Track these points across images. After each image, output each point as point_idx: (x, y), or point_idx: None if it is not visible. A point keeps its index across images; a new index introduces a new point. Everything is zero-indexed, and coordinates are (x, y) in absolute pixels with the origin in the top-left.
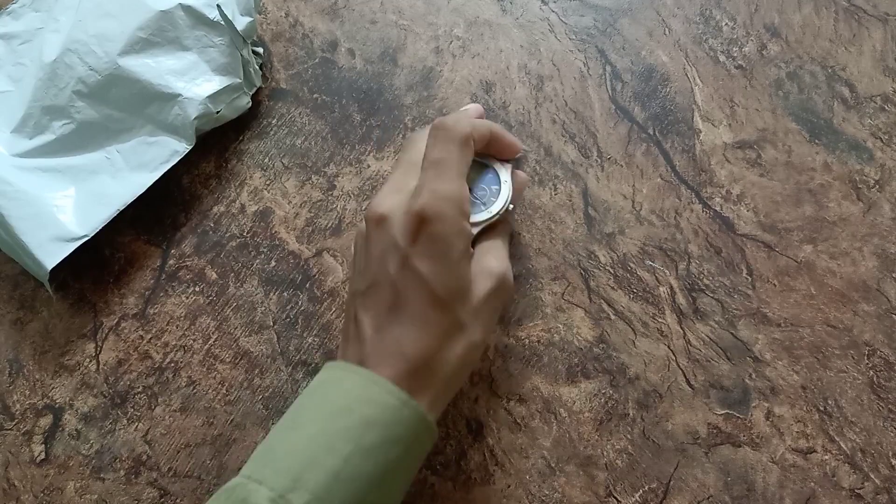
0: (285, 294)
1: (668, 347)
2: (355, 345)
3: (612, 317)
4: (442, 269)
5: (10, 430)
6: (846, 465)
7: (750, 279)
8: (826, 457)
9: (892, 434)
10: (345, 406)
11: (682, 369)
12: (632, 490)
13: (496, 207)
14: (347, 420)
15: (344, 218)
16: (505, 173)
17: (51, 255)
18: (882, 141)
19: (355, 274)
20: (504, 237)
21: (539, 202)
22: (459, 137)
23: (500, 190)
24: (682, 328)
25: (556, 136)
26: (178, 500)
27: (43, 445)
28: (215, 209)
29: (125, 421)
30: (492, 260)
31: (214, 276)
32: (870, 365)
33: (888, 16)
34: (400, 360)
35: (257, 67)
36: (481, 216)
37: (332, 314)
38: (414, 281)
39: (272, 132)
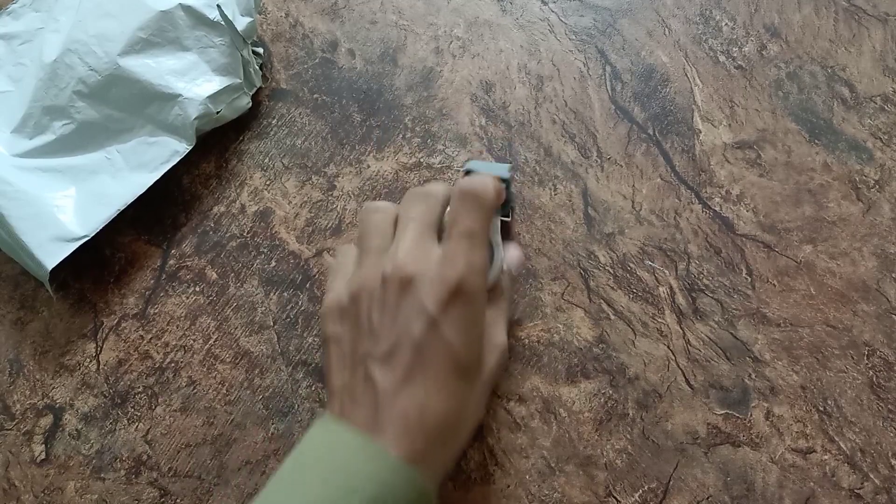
0: (285, 294)
1: (668, 347)
2: (366, 408)
3: (612, 317)
4: (469, 339)
5: (10, 430)
6: (846, 465)
7: (750, 279)
8: (826, 457)
9: (891, 434)
10: (351, 487)
11: (681, 369)
12: (631, 490)
13: (492, 274)
14: (352, 501)
15: (344, 218)
16: (496, 235)
17: (51, 255)
18: (882, 141)
19: (364, 334)
20: (506, 307)
21: (539, 202)
22: (489, 206)
23: (493, 254)
24: (681, 328)
25: (555, 137)
26: (178, 500)
27: (43, 445)
28: (215, 209)
29: (125, 421)
30: (497, 333)
31: (215, 276)
32: (869, 365)
33: (888, 16)
34: (416, 430)
35: (257, 67)
36: None
37: None
38: (441, 347)
39: (272, 132)
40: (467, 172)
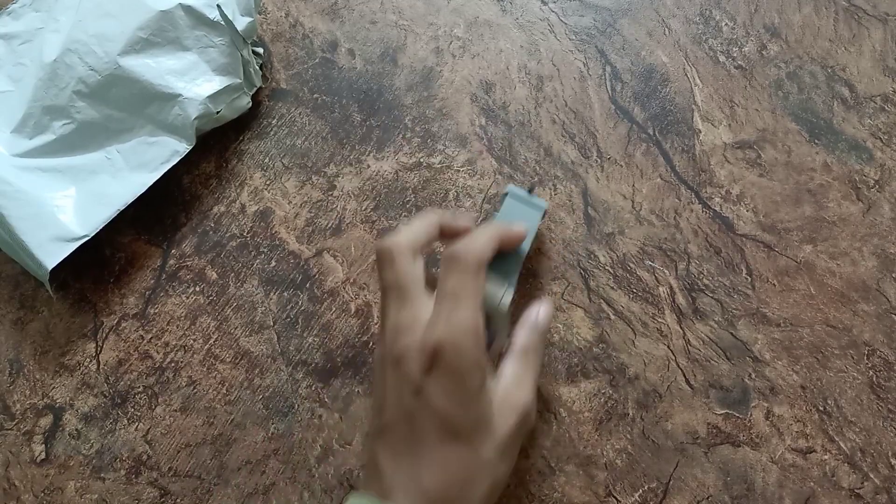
0: (285, 294)
1: (668, 347)
2: (376, 482)
3: (612, 317)
4: (458, 402)
5: (10, 429)
6: (846, 464)
7: (749, 279)
8: (825, 457)
9: (891, 434)
10: None
11: (681, 369)
12: (631, 490)
13: (499, 322)
14: None
15: (344, 218)
16: (512, 276)
17: (51, 255)
18: (882, 141)
19: (373, 412)
20: (533, 364)
21: None
22: (473, 266)
23: (502, 297)
24: (681, 328)
25: (555, 137)
26: (178, 500)
27: (43, 445)
28: (215, 209)
29: (125, 421)
30: (519, 392)
31: (215, 275)
32: (869, 365)
33: (888, 16)
34: (422, 500)
35: (257, 67)
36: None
37: (332, 314)
38: (430, 415)
39: (272, 132)
40: (505, 196)
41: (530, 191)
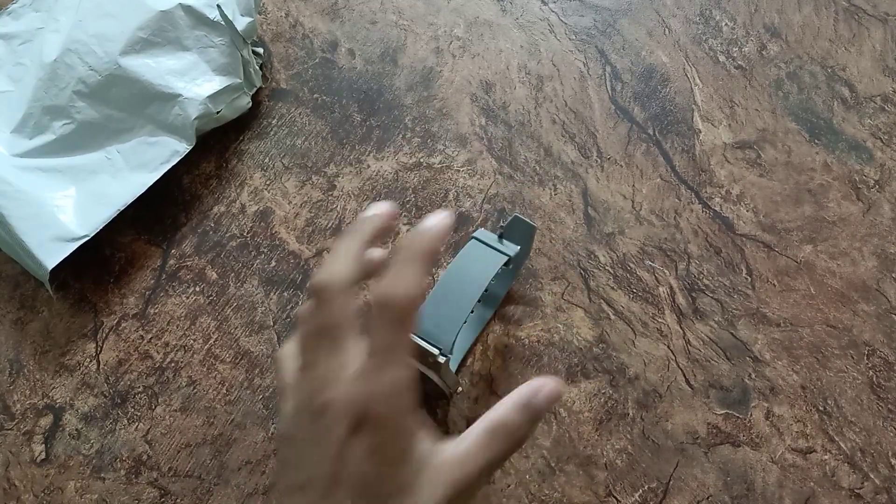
0: (285, 294)
1: (668, 347)
2: None
3: (612, 317)
4: (381, 467)
5: (10, 429)
6: (846, 464)
7: (749, 279)
8: (825, 457)
9: (891, 434)
10: None
11: (681, 369)
12: (631, 490)
13: (447, 378)
14: None
15: (344, 218)
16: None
17: (51, 255)
18: (882, 141)
19: (283, 464)
20: (497, 450)
21: (539, 202)
22: (406, 315)
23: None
24: (681, 328)
25: (555, 137)
26: (178, 500)
27: (43, 445)
28: (215, 209)
29: (125, 421)
30: (458, 469)
31: (215, 275)
32: (869, 365)
33: (888, 16)
34: None
35: (257, 67)
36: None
37: None
38: (350, 477)
39: (272, 132)
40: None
41: (500, 237)
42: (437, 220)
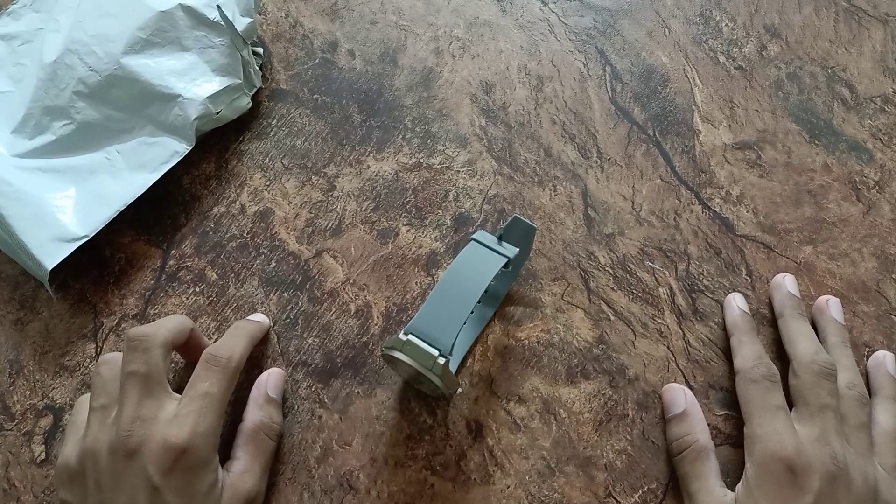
0: (285, 295)
1: (668, 348)
2: None
3: (612, 317)
4: (190, 501)
5: (10, 430)
6: None
7: (750, 280)
8: None
9: None
10: None
11: (681, 370)
12: (631, 491)
13: None
14: None
15: (344, 219)
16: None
17: (51, 256)
18: (882, 142)
19: (92, 502)
20: (262, 452)
21: (539, 203)
22: (230, 372)
23: None
24: (681, 329)
25: (555, 137)
26: None
27: (43, 446)
28: (215, 210)
29: None
30: (244, 482)
31: (215, 276)
32: None
33: (888, 16)
34: None
35: (257, 68)
36: None
37: (331, 315)
38: None
39: (272, 133)
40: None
41: (500, 238)
42: (263, 318)
